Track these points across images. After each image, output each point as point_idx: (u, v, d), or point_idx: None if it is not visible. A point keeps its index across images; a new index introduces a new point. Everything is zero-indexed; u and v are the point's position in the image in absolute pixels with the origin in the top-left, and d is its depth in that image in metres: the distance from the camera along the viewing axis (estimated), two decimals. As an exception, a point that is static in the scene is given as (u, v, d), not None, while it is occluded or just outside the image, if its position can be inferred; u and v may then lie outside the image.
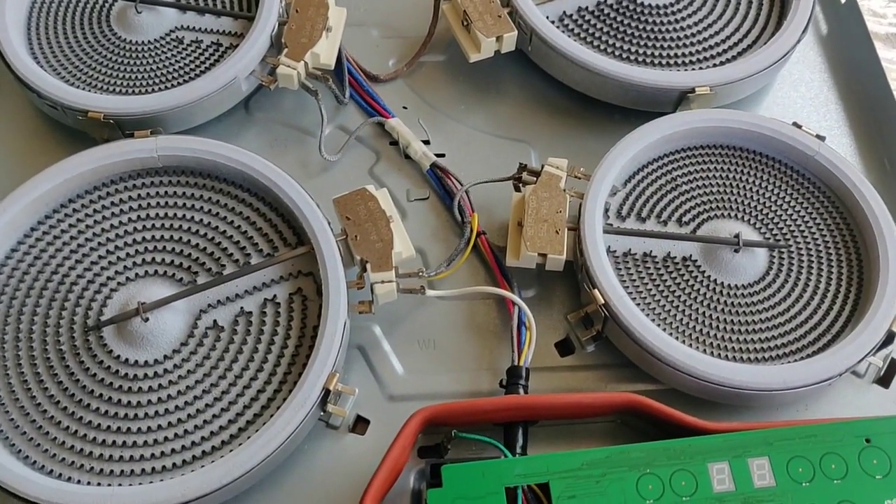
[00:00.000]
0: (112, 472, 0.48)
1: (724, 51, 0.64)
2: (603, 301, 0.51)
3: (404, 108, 0.64)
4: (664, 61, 0.63)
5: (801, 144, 0.57)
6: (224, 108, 0.60)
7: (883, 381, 0.53)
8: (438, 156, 0.61)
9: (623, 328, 0.51)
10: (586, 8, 0.65)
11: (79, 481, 0.47)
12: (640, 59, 0.63)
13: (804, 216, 0.56)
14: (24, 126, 0.62)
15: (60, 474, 0.47)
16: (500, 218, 0.59)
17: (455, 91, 0.66)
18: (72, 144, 0.59)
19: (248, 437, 0.47)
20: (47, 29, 0.63)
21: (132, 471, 0.48)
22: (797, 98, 0.66)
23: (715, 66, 0.62)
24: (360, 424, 0.52)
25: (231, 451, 0.47)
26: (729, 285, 0.54)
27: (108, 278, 0.53)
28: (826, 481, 0.46)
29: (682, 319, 0.53)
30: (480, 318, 0.56)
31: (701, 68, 0.62)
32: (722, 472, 0.46)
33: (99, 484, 0.47)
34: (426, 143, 0.62)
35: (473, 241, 0.56)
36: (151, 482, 0.47)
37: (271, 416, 0.48)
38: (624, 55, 0.63)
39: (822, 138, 0.58)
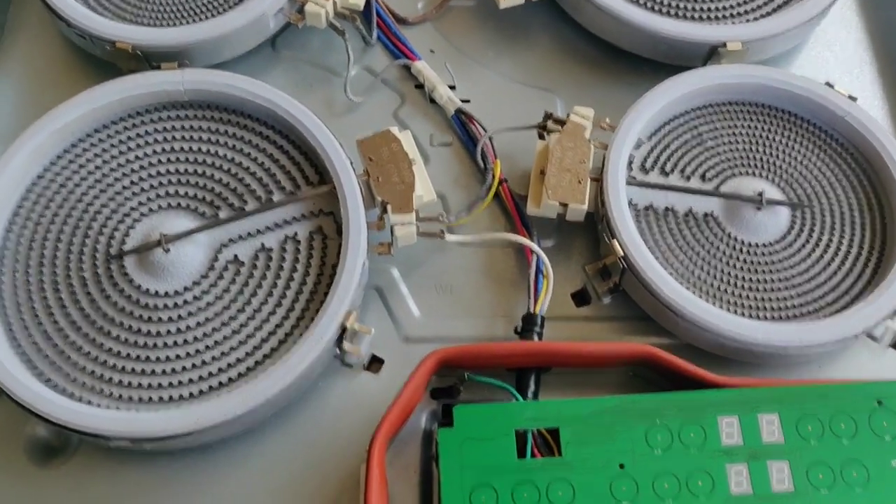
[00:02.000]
0: (130, 398, 0.49)
1: (759, 7, 0.62)
2: (622, 253, 0.51)
3: (431, 51, 0.64)
4: (696, 14, 0.62)
5: (832, 104, 0.57)
6: (251, 45, 0.60)
7: (899, 345, 0.53)
8: (464, 101, 0.61)
9: (641, 280, 0.51)
10: (620, -43, 0.64)
11: (98, 405, 0.48)
12: (671, 11, 0.62)
13: (829, 177, 0.56)
14: (51, 55, 0.63)
15: (81, 397, 0.48)
16: (523, 167, 0.59)
17: (483, 37, 0.65)
18: (99, 75, 0.59)
19: (265, 371, 0.48)
20: (77, -42, 0.63)
21: (150, 398, 0.49)
22: (830, 58, 0.65)
23: (748, 21, 0.61)
24: (374, 364, 0.53)
25: (243, 386, 0.48)
26: (749, 243, 0.54)
27: (132, 209, 0.54)
28: (835, 440, 0.46)
29: (699, 275, 0.53)
30: (498, 265, 0.56)
31: (733, 23, 0.61)
32: (731, 426, 0.46)
33: (118, 409, 0.48)
34: (452, 87, 0.61)
35: (495, 189, 0.56)
36: (168, 410, 0.48)
37: (288, 351, 0.49)
38: (655, 7, 0.62)
39: (853, 99, 0.57)
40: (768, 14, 0.62)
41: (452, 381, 0.51)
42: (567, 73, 0.64)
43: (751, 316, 0.51)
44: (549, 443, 0.46)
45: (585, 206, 0.53)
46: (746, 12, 0.62)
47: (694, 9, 0.62)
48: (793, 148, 0.57)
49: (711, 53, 0.59)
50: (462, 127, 0.60)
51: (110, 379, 0.49)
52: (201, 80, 0.56)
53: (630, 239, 0.51)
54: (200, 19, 0.60)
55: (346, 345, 0.51)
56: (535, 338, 0.51)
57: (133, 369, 0.49)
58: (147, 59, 0.58)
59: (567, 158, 0.54)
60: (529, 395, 0.50)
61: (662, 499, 0.44)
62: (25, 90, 0.61)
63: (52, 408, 0.47)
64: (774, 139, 0.57)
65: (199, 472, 0.50)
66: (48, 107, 0.55)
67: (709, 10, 0.62)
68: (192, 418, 0.46)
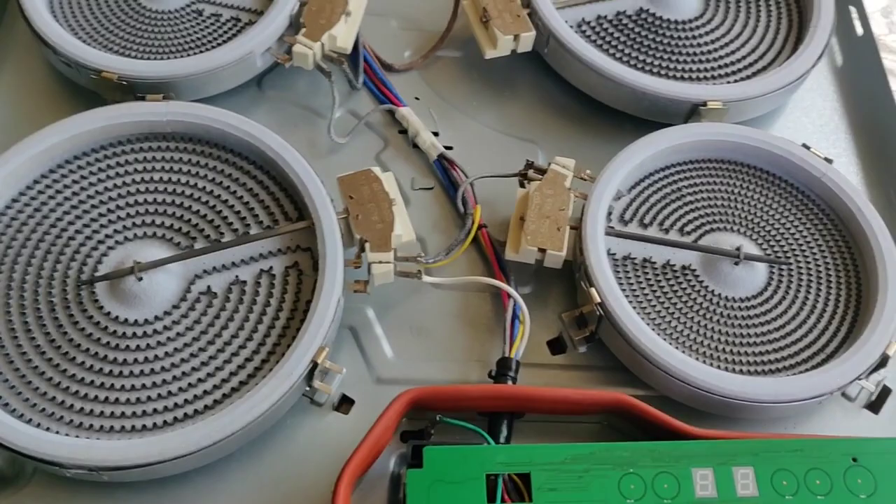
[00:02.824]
0: (92, 426, 0.47)
1: (738, 70, 0.64)
2: (599, 300, 0.51)
3: (416, 98, 0.64)
4: (678, 75, 0.63)
5: (809, 165, 0.57)
6: (237, 82, 0.60)
7: (873, 406, 0.53)
8: (447, 148, 0.61)
9: (618, 329, 0.50)
10: (605, 17, 0.65)
11: (56, 432, 0.46)
12: (654, 70, 0.63)
13: (806, 236, 0.56)
14: (36, 82, 0.63)
15: (39, 424, 0.47)
16: (502, 214, 0.59)
17: (468, 87, 0.66)
18: (82, 104, 0.58)
19: (232, 404, 0.47)
20: (68, -11, 0.64)
21: (112, 427, 0.47)
22: (807, 124, 0.66)
23: (728, 83, 0.62)
24: (344, 404, 0.52)
25: (208, 418, 0.47)
26: (727, 297, 0.54)
27: (107, 236, 0.53)
28: (810, 496, 0.45)
29: (676, 326, 0.52)
30: (474, 310, 0.56)
31: (715, 84, 0.62)
32: (706, 479, 0.45)
33: (77, 436, 0.46)
34: (435, 134, 0.62)
35: (474, 234, 0.56)
36: (130, 439, 0.46)
37: (256, 385, 0.48)
38: (638, 65, 0.63)
39: (829, 161, 0.58)
40: (748, 77, 0.63)
41: (423, 424, 0.50)
42: (549, 125, 0.64)
43: (727, 369, 0.51)
44: (519, 488, 0.45)
45: (563, 253, 0.53)
46: (727, 74, 0.63)
47: (676, 69, 0.63)
48: (770, 206, 0.57)
49: (692, 112, 0.60)
50: (444, 172, 0.60)
51: (72, 406, 0.48)
52: (184, 111, 0.56)
53: (608, 287, 0.51)
54: (188, 54, 0.60)
55: (317, 383, 0.50)
56: (510, 382, 0.51)
57: (96, 397, 0.48)
58: (132, 90, 0.58)
59: (547, 205, 0.54)
60: (502, 440, 0.49)
61: (634, 549, 0.43)
62: (9, 115, 0.61)
63: (7, 431, 0.45)
64: (752, 197, 0.58)
65: (157, 508, 0.48)
66: (29, 132, 0.55)
67: (691, 70, 0.63)
68: (155, 448, 0.45)
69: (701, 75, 0.63)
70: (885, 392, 0.53)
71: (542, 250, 0.53)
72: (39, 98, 0.62)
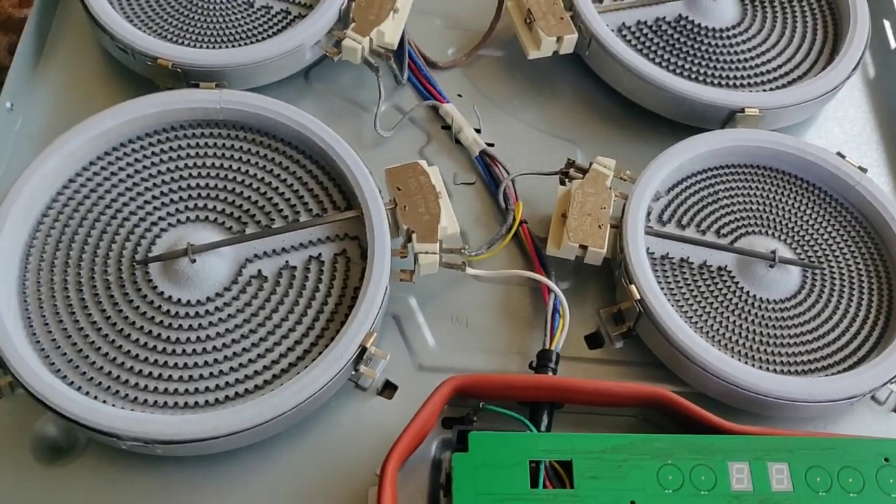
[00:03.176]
0: (146, 401, 0.49)
1: (774, 79, 0.65)
2: (639, 297, 0.52)
3: (459, 95, 0.66)
4: (715, 81, 0.64)
5: (844, 174, 0.59)
6: (286, 74, 0.62)
7: (902, 410, 0.55)
8: (488, 144, 0.62)
9: (656, 325, 0.52)
10: (645, 22, 0.67)
11: (112, 406, 0.48)
12: (691, 75, 0.64)
13: (840, 242, 0.58)
14: (89, 66, 0.64)
15: (96, 397, 0.48)
16: (542, 211, 0.60)
17: (509, 86, 0.67)
18: (134, 89, 0.60)
19: (283, 385, 0.48)
20: (124, -23, 0.65)
21: (165, 402, 0.49)
22: (840, 133, 0.68)
23: (765, 91, 0.64)
24: (387, 389, 0.53)
25: (260, 396, 0.48)
26: (761, 299, 0.55)
27: (160, 218, 0.54)
28: (842, 493, 0.46)
29: (712, 325, 0.54)
30: (514, 303, 0.57)
31: (752, 92, 0.64)
32: (741, 472, 0.47)
33: (132, 410, 0.48)
34: (477, 131, 0.63)
35: (516, 228, 0.58)
36: (184, 415, 0.48)
37: (305, 367, 0.49)
38: (676, 70, 0.64)
39: (864, 170, 0.59)
40: (784, 86, 0.65)
41: (464, 412, 0.51)
42: (587, 126, 0.66)
43: (761, 368, 0.52)
44: (560, 475, 0.47)
45: (604, 251, 0.54)
46: (763, 82, 0.65)
47: (713, 75, 0.65)
48: (804, 212, 0.59)
49: (729, 118, 0.62)
50: (486, 168, 0.61)
51: (126, 381, 0.49)
52: (238, 100, 0.57)
53: (647, 284, 0.53)
54: (239, 44, 0.62)
55: (363, 368, 0.51)
56: (550, 374, 0.52)
57: (150, 373, 0.49)
58: (184, 78, 0.59)
59: (588, 203, 0.56)
60: (542, 428, 0.50)
61: (673, 538, 0.45)
62: (61, 98, 0.63)
63: (69, 403, 0.46)
64: (787, 202, 0.59)
65: (206, 482, 0.49)
66: (82, 115, 0.56)
67: (727, 77, 0.65)
68: (209, 424, 0.47)
69: (737, 83, 0.65)
70: (913, 397, 0.54)
71: (584, 247, 0.54)
72: (92, 82, 0.64)
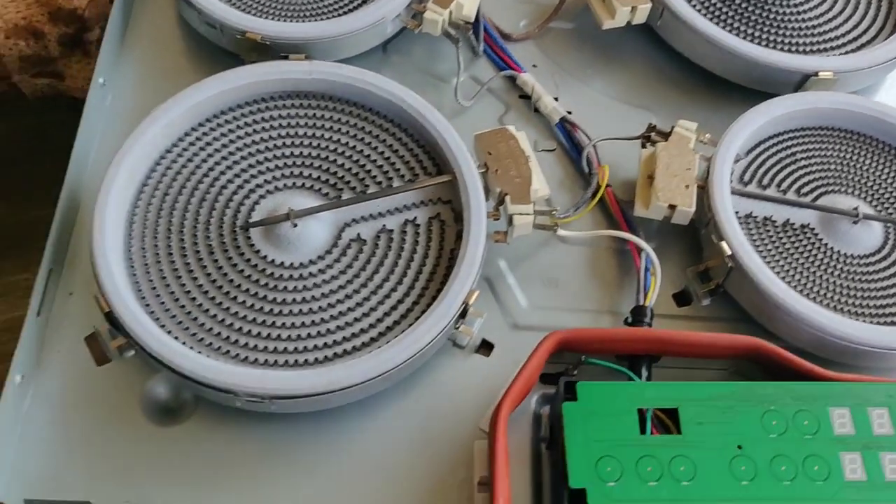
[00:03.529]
0: (256, 360, 0.50)
1: (843, 44, 0.66)
2: (730, 252, 0.53)
3: (534, 66, 0.67)
4: (784, 48, 0.66)
5: (919, 133, 0.60)
6: (367, 46, 0.63)
7: None
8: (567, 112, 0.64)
9: (748, 279, 0.53)
10: (713, -9, 0.68)
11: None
12: (762, 42, 0.66)
13: (919, 199, 0.59)
14: (173, 41, 0.66)
15: (208, 357, 0.49)
16: (622, 176, 0.62)
17: (581, 57, 0.68)
18: (218, 63, 0.61)
19: (388, 342, 0.50)
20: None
21: (275, 361, 0.50)
22: (906, 97, 0.69)
23: (837, 55, 0.65)
24: (484, 348, 0.55)
25: (370, 352, 0.49)
26: (846, 254, 0.56)
27: (257, 185, 0.56)
28: (942, 434, 0.48)
29: (799, 279, 0.55)
30: (601, 265, 0.58)
31: (825, 56, 0.65)
32: (843, 417, 0.48)
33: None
34: (555, 99, 0.64)
35: (602, 192, 0.59)
36: (295, 371, 0.49)
37: (409, 325, 0.51)
38: (747, 37, 0.66)
39: (936, 130, 0.60)
40: (855, 50, 0.66)
41: (560, 369, 0.52)
42: (660, 94, 0.67)
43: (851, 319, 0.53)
44: (665, 424, 0.48)
45: (692, 210, 0.56)
46: (835, 47, 0.66)
47: (785, 42, 0.66)
48: (882, 171, 0.60)
49: (802, 83, 0.63)
50: (566, 135, 0.63)
51: (236, 341, 0.50)
52: (329, 71, 0.58)
53: (737, 240, 0.54)
54: (322, 17, 0.63)
55: (462, 326, 0.52)
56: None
57: (259, 333, 0.51)
58: (270, 51, 0.60)
59: (674, 165, 0.57)
60: (643, 380, 0.51)
61: (780, 480, 0.46)
62: (147, 74, 0.64)
63: (188, 362, 0.48)
64: (865, 162, 0.60)
65: (316, 439, 0.51)
66: (167, 90, 0.57)
67: (798, 43, 0.66)
68: (323, 379, 0.48)
69: (807, 49, 0.66)
70: None
71: (672, 207, 0.56)
72: (175, 58, 0.65)
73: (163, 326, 0.50)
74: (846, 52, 0.66)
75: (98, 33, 0.91)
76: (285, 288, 0.52)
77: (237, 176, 0.56)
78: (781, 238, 0.57)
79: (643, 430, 0.47)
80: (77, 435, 0.50)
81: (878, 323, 0.54)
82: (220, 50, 0.63)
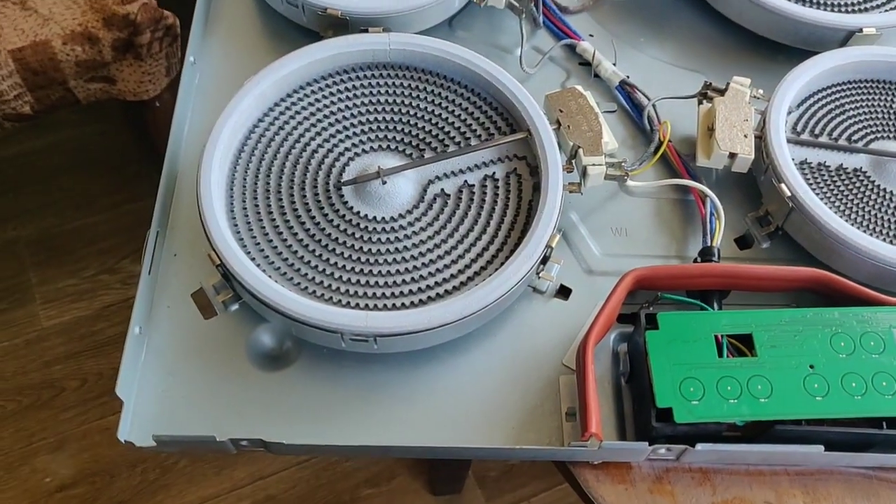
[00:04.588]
0: (357, 305, 0.54)
1: (884, 2, 0.70)
2: (790, 193, 0.57)
3: (591, 35, 0.71)
4: (829, 8, 0.69)
5: (962, 81, 0.64)
6: (435, 21, 0.68)
7: None
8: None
9: (808, 217, 0.57)
10: (756, -41, 0.72)
11: (330, 309, 0.53)
12: (807, 3, 0.69)
13: (964, 142, 0.63)
14: (251, 24, 0.70)
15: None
16: (680, 133, 0.65)
17: (634, 26, 0.73)
18: (292, 42, 0.66)
19: (476, 285, 0.54)
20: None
21: (375, 306, 0.54)
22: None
23: (879, 13, 0.69)
24: (561, 293, 0.59)
25: (463, 293, 0.54)
26: (898, 194, 0.60)
27: (346, 149, 0.60)
28: None
29: (856, 218, 0.59)
30: (666, 214, 0.62)
31: (867, 13, 0.69)
32: (906, 337, 0.52)
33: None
34: (613, 65, 0.68)
35: (665, 147, 0.63)
36: (398, 311, 0.53)
37: (496, 269, 0.55)
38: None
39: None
40: (891, 10, 0.69)
41: (634, 309, 0.56)
42: (711, 56, 0.71)
43: (908, 252, 0.57)
44: (739, 349, 0.52)
45: (752, 156, 0.59)
46: (878, 5, 0.70)
47: (829, 1, 0.70)
48: (927, 118, 0.64)
49: (846, 39, 0.67)
50: (626, 96, 0.67)
51: (338, 289, 0.55)
52: (407, 42, 0.63)
53: (796, 182, 0.58)
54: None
55: (543, 272, 0.56)
56: (716, 266, 0.57)
57: (358, 281, 0.55)
58: (346, 26, 0.65)
59: (732, 117, 0.61)
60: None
61: (851, 395, 0.50)
62: (230, 53, 0.68)
63: (298, 306, 0.52)
64: (910, 110, 0.64)
65: (415, 378, 0.55)
66: (250, 68, 0.62)
67: (842, 3, 0.70)
68: (424, 317, 0.52)
69: (851, 7, 0.70)
70: None
71: (732, 155, 0.60)
72: (254, 37, 0.70)
73: (269, 277, 0.55)
74: (888, 10, 0.69)
75: (149, 37, 0.96)
76: (379, 240, 0.56)
77: (326, 141, 0.60)
78: (836, 181, 0.60)
79: (720, 355, 0.51)
80: (192, 382, 0.55)
81: (933, 255, 0.57)
82: (295, 28, 0.67)
